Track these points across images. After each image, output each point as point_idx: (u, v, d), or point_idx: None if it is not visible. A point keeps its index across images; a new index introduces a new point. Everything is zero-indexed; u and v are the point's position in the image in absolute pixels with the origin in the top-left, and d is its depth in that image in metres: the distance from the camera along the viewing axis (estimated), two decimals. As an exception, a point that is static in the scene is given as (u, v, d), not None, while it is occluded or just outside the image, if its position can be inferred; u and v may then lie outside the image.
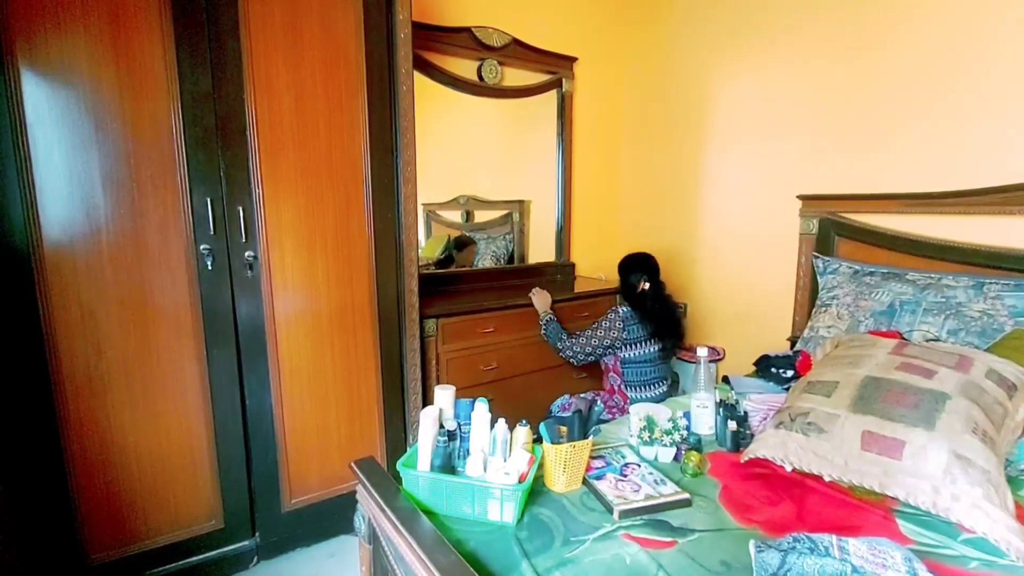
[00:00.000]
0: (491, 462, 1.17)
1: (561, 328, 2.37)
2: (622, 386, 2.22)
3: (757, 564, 0.95)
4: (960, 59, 1.92)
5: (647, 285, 2.21)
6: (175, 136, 1.54)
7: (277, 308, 1.75)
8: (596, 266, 3.14)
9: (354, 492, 1.28)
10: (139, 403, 1.58)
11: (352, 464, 1.27)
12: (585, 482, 1.28)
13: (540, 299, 2.45)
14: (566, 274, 3.07)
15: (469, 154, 2.78)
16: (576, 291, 2.75)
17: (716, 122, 2.76)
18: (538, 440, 1.31)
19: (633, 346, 2.16)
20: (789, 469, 1.32)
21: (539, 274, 2.99)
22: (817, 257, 2.29)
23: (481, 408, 1.23)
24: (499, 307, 2.40)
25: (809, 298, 2.35)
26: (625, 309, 2.17)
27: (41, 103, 1.37)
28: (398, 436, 2.07)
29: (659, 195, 3.07)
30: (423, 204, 2.56)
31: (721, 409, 1.55)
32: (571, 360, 2.31)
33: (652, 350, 2.17)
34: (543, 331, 2.39)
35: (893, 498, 1.20)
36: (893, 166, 2.12)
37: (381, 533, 1.16)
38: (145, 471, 1.61)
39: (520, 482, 1.14)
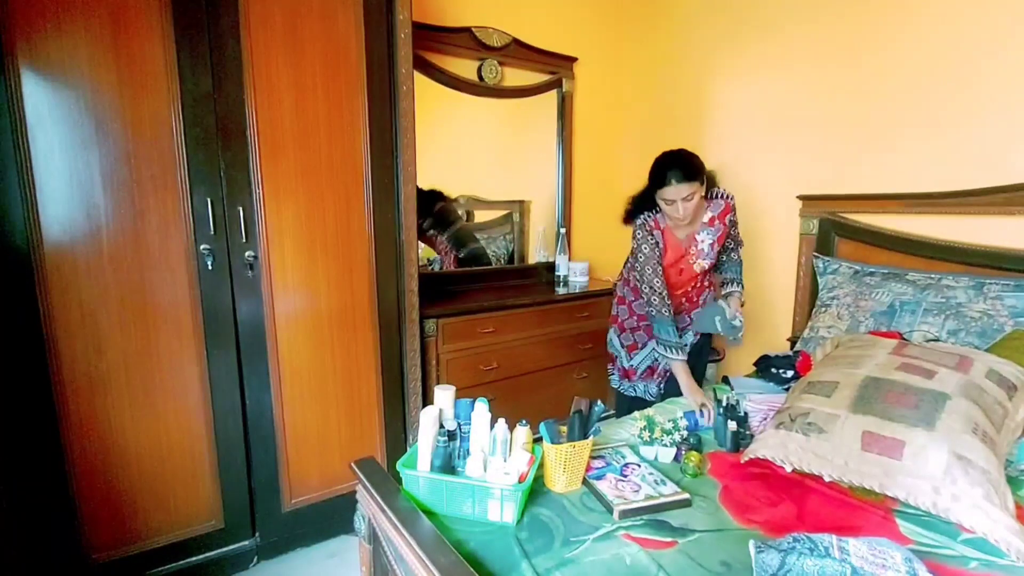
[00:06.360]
0: (491, 462, 1.17)
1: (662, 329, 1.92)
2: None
3: (757, 565, 0.95)
4: (961, 59, 1.91)
5: None
6: (175, 136, 1.54)
7: (277, 308, 1.75)
8: (596, 266, 3.14)
9: (354, 492, 1.28)
10: (139, 403, 1.58)
11: (352, 464, 1.27)
12: (585, 482, 1.28)
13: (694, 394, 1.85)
14: (566, 274, 3.07)
15: (469, 154, 2.78)
16: (576, 290, 2.75)
17: (716, 122, 2.76)
18: (538, 440, 1.31)
19: None
20: (789, 469, 1.32)
21: (539, 274, 2.99)
22: (817, 257, 2.29)
23: (481, 408, 1.23)
24: (499, 307, 2.40)
25: (809, 298, 2.35)
26: (725, 190, 1.96)
27: (41, 103, 1.37)
28: (398, 436, 2.07)
29: (659, 195, 3.06)
30: (423, 204, 2.56)
31: (721, 409, 1.55)
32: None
33: None
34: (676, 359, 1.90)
35: (893, 498, 1.20)
36: (893, 166, 2.12)
37: (381, 533, 1.16)
38: (145, 471, 1.61)
39: (520, 482, 1.15)
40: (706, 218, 1.92)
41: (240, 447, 1.75)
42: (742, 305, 2.01)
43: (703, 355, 2.15)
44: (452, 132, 2.69)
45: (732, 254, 2.06)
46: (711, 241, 1.93)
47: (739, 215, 2.73)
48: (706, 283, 2.09)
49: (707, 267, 1.98)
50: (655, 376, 2.13)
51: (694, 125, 2.85)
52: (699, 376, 2.13)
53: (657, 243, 1.93)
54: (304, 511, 1.89)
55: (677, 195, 1.77)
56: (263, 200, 1.69)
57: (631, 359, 2.15)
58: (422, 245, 2.49)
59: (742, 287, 2.04)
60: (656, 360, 2.11)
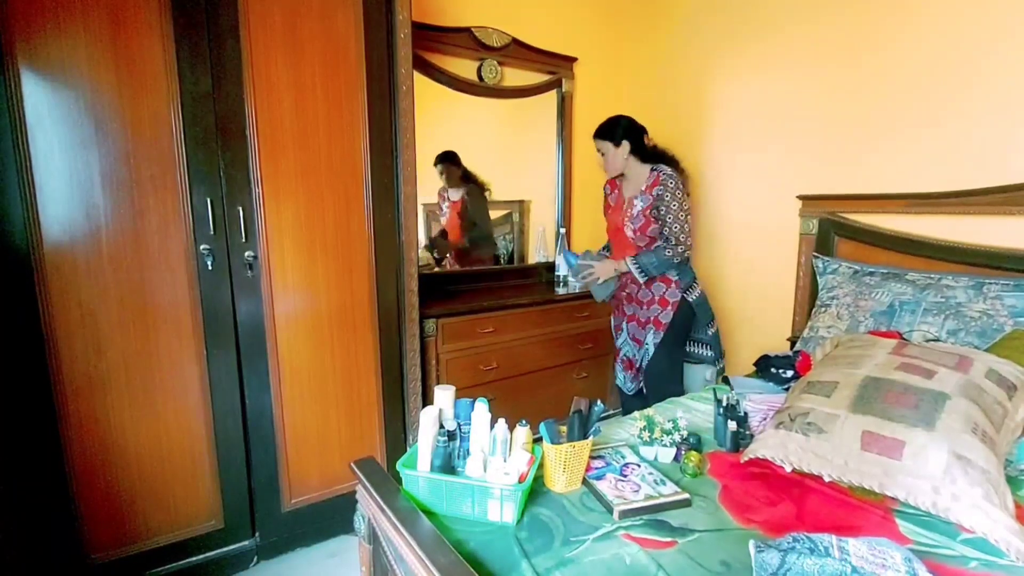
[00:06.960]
0: (491, 462, 1.17)
1: (648, 259, 2.11)
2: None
3: (757, 564, 0.95)
4: (961, 59, 1.91)
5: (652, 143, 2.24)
6: (175, 136, 1.54)
7: (277, 308, 1.75)
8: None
9: (354, 492, 1.28)
10: (139, 403, 1.58)
11: (352, 464, 1.27)
12: (585, 482, 1.28)
13: (603, 268, 2.22)
14: (566, 274, 3.07)
15: (469, 154, 2.78)
16: (576, 290, 2.74)
17: (716, 122, 2.76)
18: (538, 440, 1.31)
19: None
20: (789, 469, 1.32)
21: (539, 274, 2.99)
22: (817, 257, 2.29)
23: (481, 408, 1.23)
24: (499, 307, 2.40)
25: (809, 298, 2.35)
26: (668, 169, 2.12)
27: (41, 103, 1.37)
28: (398, 436, 2.07)
29: (659, 195, 3.06)
30: (423, 204, 2.56)
31: (721, 409, 1.55)
32: (685, 255, 2.12)
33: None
34: (639, 273, 2.12)
35: (893, 498, 1.20)
36: (893, 166, 2.12)
37: (381, 533, 1.16)
38: (145, 471, 1.61)
39: (520, 482, 1.15)
40: (643, 186, 2.16)
41: (240, 447, 1.75)
42: (616, 272, 2.20)
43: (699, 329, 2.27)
44: (452, 132, 2.69)
45: (658, 246, 2.13)
46: (640, 207, 2.15)
47: (738, 213, 2.73)
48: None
49: (632, 233, 2.16)
50: (631, 370, 2.31)
51: (694, 125, 2.85)
52: (698, 376, 2.20)
53: (605, 196, 2.40)
54: (304, 511, 1.89)
55: (597, 149, 2.22)
56: (263, 200, 1.69)
57: (617, 339, 2.38)
58: (422, 244, 2.49)
59: (640, 270, 2.11)
60: (633, 354, 2.28)
